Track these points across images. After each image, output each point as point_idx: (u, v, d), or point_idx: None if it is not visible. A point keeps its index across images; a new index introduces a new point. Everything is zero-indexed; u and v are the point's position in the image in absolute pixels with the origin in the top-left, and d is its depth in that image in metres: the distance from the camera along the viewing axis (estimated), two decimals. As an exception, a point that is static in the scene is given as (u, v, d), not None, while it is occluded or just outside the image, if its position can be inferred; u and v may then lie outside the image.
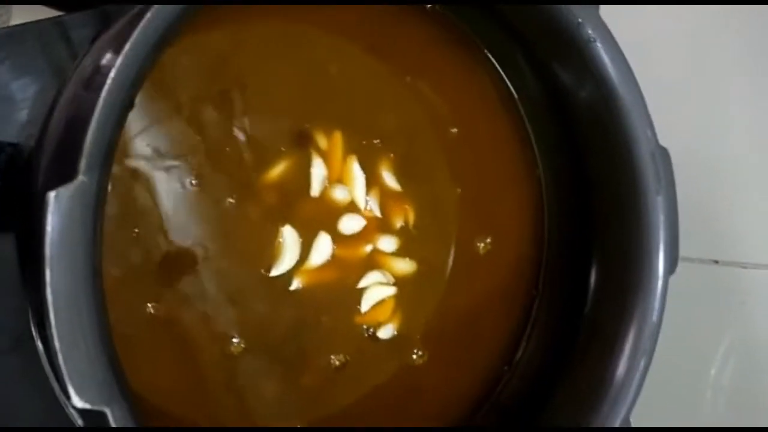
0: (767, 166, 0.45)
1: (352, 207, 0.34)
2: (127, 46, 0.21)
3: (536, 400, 0.35)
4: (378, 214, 0.35)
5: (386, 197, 0.35)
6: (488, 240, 0.37)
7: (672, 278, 0.32)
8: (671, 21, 0.44)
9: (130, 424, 0.23)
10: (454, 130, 0.36)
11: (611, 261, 0.34)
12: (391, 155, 0.35)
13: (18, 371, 0.29)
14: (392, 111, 0.35)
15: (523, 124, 0.38)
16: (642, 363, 0.31)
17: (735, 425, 0.45)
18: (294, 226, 0.33)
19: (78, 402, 0.22)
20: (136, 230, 0.30)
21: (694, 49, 0.45)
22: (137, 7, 0.23)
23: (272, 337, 0.32)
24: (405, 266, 0.35)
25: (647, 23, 0.44)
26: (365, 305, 0.34)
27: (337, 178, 0.34)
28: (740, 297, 0.44)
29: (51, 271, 0.21)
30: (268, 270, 0.32)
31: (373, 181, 0.35)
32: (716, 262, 0.44)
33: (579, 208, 0.36)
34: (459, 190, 0.36)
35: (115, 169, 0.29)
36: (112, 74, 0.21)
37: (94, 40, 0.25)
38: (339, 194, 0.34)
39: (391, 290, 0.35)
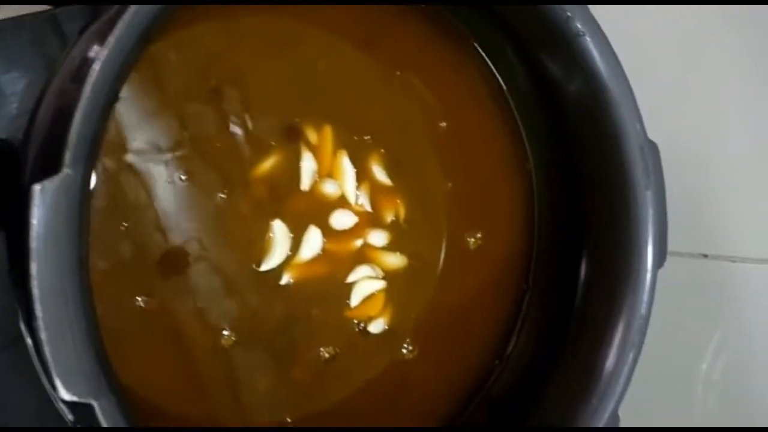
0: (757, 160, 0.45)
1: (342, 201, 0.34)
2: (111, 38, 0.21)
3: (527, 393, 0.35)
4: (368, 208, 0.35)
5: (377, 192, 0.35)
6: (479, 234, 0.37)
7: (662, 273, 0.32)
8: (662, 17, 0.44)
9: (118, 418, 0.23)
10: (445, 124, 0.36)
11: (601, 255, 0.34)
12: (382, 150, 0.35)
13: (10, 370, 0.29)
14: (382, 106, 0.35)
15: (514, 119, 0.38)
16: (631, 356, 0.31)
17: (726, 420, 0.45)
18: (284, 220, 0.33)
19: (65, 394, 0.22)
20: (125, 224, 0.30)
21: (685, 45, 0.45)
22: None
23: (263, 330, 0.33)
24: (396, 261, 0.35)
25: (638, 18, 0.44)
26: (355, 299, 0.34)
27: (327, 172, 0.34)
28: (730, 291, 0.44)
29: (37, 264, 0.21)
30: (259, 264, 0.32)
31: (363, 175, 0.35)
32: (705, 256, 0.44)
33: (569, 202, 0.36)
34: (450, 184, 0.36)
35: (104, 162, 0.29)
36: (96, 66, 0.21)
37: (82, 31, 0.25)
38: (329, 189, 0.34)
39: (381, 284, 0.35)
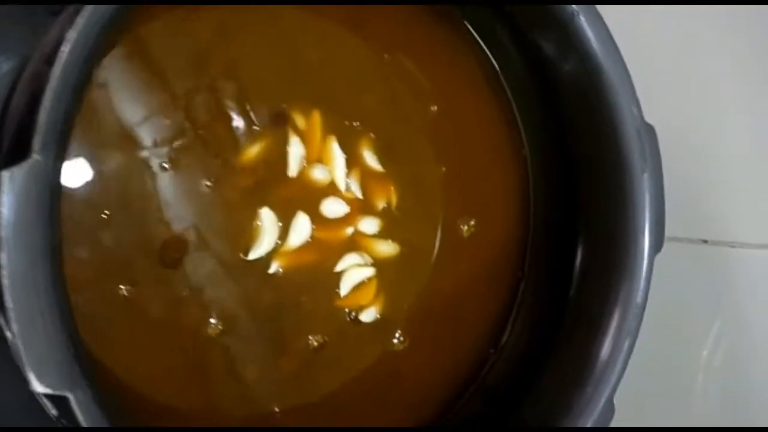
0: (756, 145, 0.44)
1: (332, 188, 0.34)
2: (80, 18, 0.20)
3: (522, 382, 0.34)
4: (359, 195, 0.34)
5: (368, 178, 0.34)
6: (473, 221, 0.36)
7: (661, 259, 0.32)
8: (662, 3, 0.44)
9: (94, 410, 0.22)
10: (437, 108, 0.36)
11: (597, 241, 0.34)
12: (372, 135, 0.34)
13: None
14: (372, 90, 0.35)
15: (509, 103, 0.37)
16: (626, 344, 0.30)
17: (727, 407, 0.45)
18: (272, 208, 0.32)
19: (38, 386, 0.21)
20: (107, 212, 0.29)
21: (684, 29, 0.44)
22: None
23: (250, 319, 0.32)
24: (387, 248, 0.35)
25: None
26: (344, 288, 0.33)
27: (316, 158, 0.33)
28: (730, 277, 0.44)
29: (7, 252, 0.20)
30: (246, 253, 0.32)
31: (354, 161, 0.34)
32: (705, 241, 0.43)
33: (565, 187, 0.35)
34: (443, 170, 0.36)
35: (84, 150, 0.29)
36: (65, 47, 0.20)
37: (57, 13, 0.24)
38: (318, 174, 0.33)
39: (370, 272, 0.34)
